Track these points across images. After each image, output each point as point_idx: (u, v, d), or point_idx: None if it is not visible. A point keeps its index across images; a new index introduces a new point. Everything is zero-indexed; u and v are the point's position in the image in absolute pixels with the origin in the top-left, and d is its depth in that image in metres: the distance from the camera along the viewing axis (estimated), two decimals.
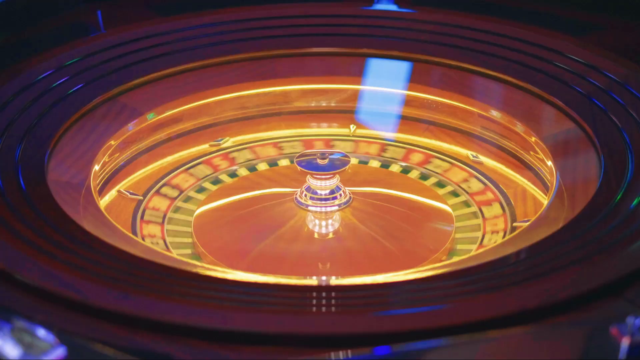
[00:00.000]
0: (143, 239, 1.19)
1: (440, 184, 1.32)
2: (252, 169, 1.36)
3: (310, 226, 1.21)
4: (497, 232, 1.21)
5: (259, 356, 0.81)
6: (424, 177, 1.33)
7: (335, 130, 1.45)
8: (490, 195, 1.29)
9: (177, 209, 1.27)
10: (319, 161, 1.22)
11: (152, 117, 1.34)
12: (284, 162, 1.37)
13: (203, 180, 1.33)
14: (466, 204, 1.27)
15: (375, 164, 1.37)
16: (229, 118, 1.45)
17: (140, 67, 1.39)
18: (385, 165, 1.37)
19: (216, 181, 1.33)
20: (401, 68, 1.44)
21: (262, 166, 1.37)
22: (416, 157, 1.37)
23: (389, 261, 1.14)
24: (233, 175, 1.35)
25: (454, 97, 1.40)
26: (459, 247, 1.18)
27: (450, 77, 1.41)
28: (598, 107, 1.25)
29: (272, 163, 1.37)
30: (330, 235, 1.20)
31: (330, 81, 1.46)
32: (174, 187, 1.31)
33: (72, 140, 1.24)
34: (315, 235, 1.20)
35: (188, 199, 1.29)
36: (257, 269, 1.10)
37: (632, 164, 1.11)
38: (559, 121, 1.28)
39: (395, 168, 1.36)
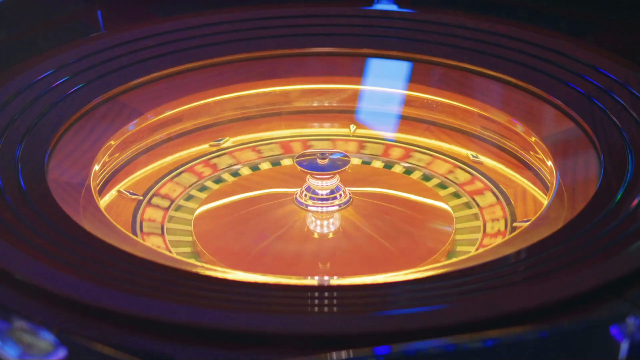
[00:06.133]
0: (143, 239, 1.19)
1: (442, 185, 1.32)
2: (252, 168, 1.36)
3: (310, 226, 1.21)
4: (497, 230, 1.21)
5: (259, 356, 0.81)
6: (425, 177, 1.33)
7: (336, 130, 1.45)
8: (490, 195, 1.29)
9: (177, 208, 1.27)
10: (319, 161, 1.22)
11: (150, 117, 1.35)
12: (284, 162, 1.37)
13: (204, 180, 1.33)
14: (466, 204, 1.27)
15: (377, 164, 1.37)
16: (229, 118, 1.45)
17: (140, 67, 1.39)
18: (386, 165, 1.37)
19: (218, 180, 1.33)
20: (401, 68, 1.44)
21: (263, 166, 1.37)
22: (417, 157, 1.38)
23: (389, 261, 1.14)
24: (235, 174, 1.35)
25: (454, 97, 1.40)
26: (458, 247, 1.18)
27: (450, 77, 1.41)
28: (598, 107, 1.25)
29: (274, 163, 1.38)
30: (330, 235, 1.20)
31: (330, 81, 1.46)
32: (175, 185, 1.31)
33: (72, 140, 1.24)
34: (315, 235, 1.20)
35: (189, 199, 1.29)
36: (257, 269, 1.10)
37: (632, 164, 1.11)
38: (559, 121, 1.28)
39: (396, 168, 1.36)
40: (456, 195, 1.29)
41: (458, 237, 1.20)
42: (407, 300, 0.91)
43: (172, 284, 0.92)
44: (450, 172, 1.34)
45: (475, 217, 1.24)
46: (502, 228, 1.21)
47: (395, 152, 1.39)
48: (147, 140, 1.37)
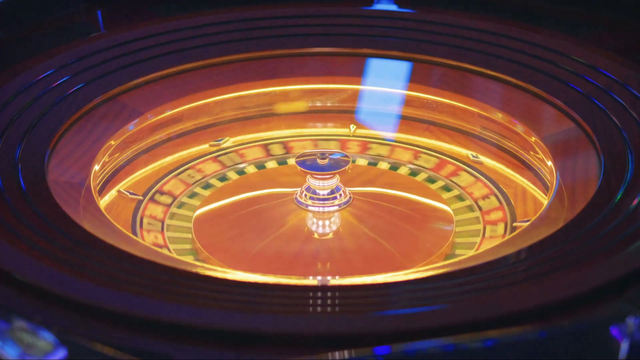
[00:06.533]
0: (143, 239, 1.19)
1: (446, 187, 1.32)
2: (250, 169, 1.36)
3: (310, 226, 1.21)
4: (496, 228, 1.21)
5: (259, 356, 0.81)
6: (430, 179, 1.33)
7: (336, 130, 1.45)
8: (491, 196, 1.29)
9: (178, 206, 1.27)
10: (319, 161, 1.22)
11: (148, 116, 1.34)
12: (279, 163, 1.38)
13: (208, 178, 1.33)
14: (466, 204, 1.27)
15: (382, 164, 1.37)
16: (229, 118, 1.45)
17: (140, 67, 1.39)
18: (392, 167, 1.37)
19: (221, 179, 1.33)
20: (401, 68, 1.44)
21: (261, 166, 1.37)
22: (423, 159, 1.37)
23: (389, 261, 1.14)
24: (240, 173, 1.35)
25: (454, 97, 1.40)
26: (458, 247, 1.18)
27: (450, 77, 1.41)
28: (598, 107, 1.25)
29: (273, 162, 1.38)
30: (330, 235, 1.20)
31: (330, 81, 1.46)
32: (176, 184, 1.31)
33: (72, 140, 1.24)
34: (315, 235, 1.20)
35: (190, 197, 1.29)
36: (257, 269, 1.10)
37: (632, 164, 1.11)
38: (559, 121, 1.28)
39: (401, 170, 1.36)
40: (460, 198, 1.29)
41: (458, 239, 1.20)
42: (407, 300, 0.91)
43: (172, 284, 0.92)
44: (455, 174, 1.34)
45: (476, 220, 1.24)
46: (502, 231, 1.21)
47: (401, 154, 1.39)
48: (147, 140, 1.37)
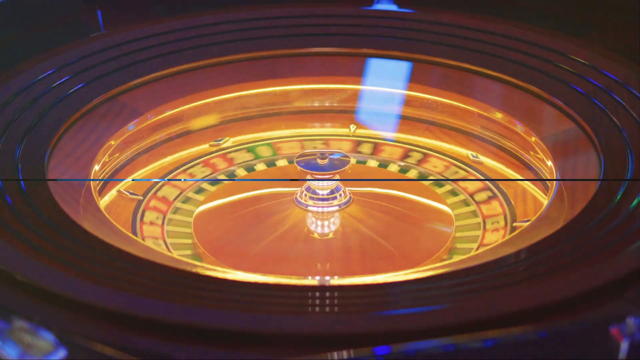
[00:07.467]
0: (143, 239, 1.19)
1: (439, 184, 1.32)
2: (250, 169, 1.36)
3: (311, 226, 1.21)
4: (497, 230, 1.21)
5: (259, 356, 0.81)
6: (423, 177, 1.33)
7: (336, 130, 1.45)
8: (490, 195, 1.29)
9: (177, 209, 1.27)
10: (319, 161, 1.22)
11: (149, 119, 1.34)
12: (283, 162, 1.37)
13: (205, 179, 1.33)
14: (466, 203, 1.27)
15: (374, 163, 1.37)
16: (229, 118, 1.45)
17: (140, 67, 1.39)
18: (384, 165, 1.37)
19: (216, 181, 1.33)
20: (401, 68, 1.44)
21: (262, 166, 1.37)
22: (416, 158, 1.37)
23: (389, 261, 1.14)
24: (232, 175, 1.35)
25: (454, 97, 1.40)
26: (458, 247, 1.18)
27: (450, 77, 1.41)
28: (598, 107, 1.25)
29: (271, 163, 1.37)
30: (330, 235, 1.20)
31: (330, 81, 1.46)
32: (174, 186, 1.31)
33: (72, 140, 1.24)
34: (315, 235, 1.20)
35: (188, 200, 1.29)
36: (257, 269, 1.10)
37: (632, 164, 1.11)
38: (559, 121, 1.28)
39: (394, 168, 1.36)
40: (453, 193, 1.29)
41: (459, 234, 1.20)
42: (407, 300, 0.91)
43: (172, 284, 0.92)
44: (447, 168, 1.34)
45: (473, 214, 1.24)
46: (502, 223, 1.21)
47: (394, 152, 1.39)
48: (147, 140, 1.37)
